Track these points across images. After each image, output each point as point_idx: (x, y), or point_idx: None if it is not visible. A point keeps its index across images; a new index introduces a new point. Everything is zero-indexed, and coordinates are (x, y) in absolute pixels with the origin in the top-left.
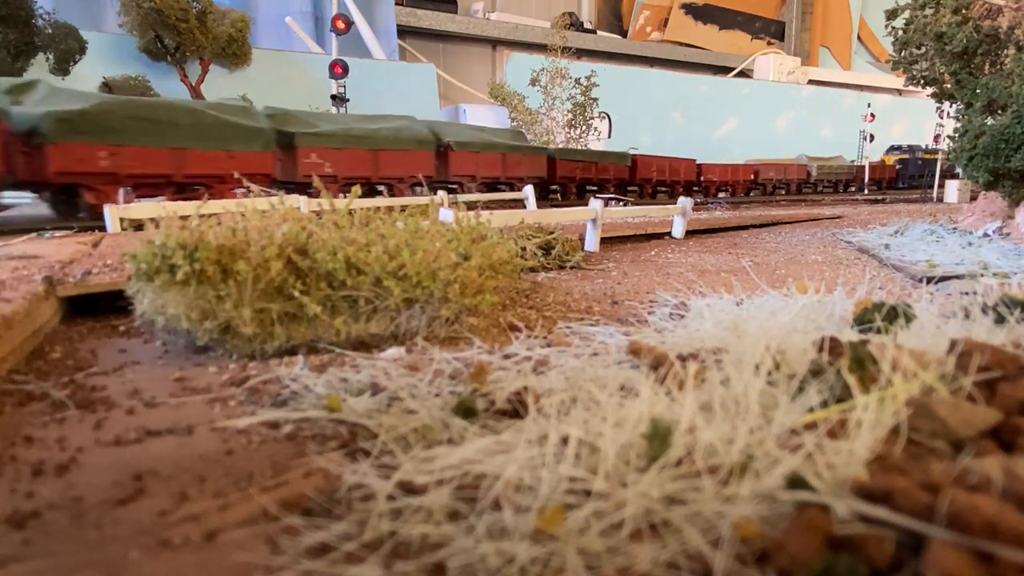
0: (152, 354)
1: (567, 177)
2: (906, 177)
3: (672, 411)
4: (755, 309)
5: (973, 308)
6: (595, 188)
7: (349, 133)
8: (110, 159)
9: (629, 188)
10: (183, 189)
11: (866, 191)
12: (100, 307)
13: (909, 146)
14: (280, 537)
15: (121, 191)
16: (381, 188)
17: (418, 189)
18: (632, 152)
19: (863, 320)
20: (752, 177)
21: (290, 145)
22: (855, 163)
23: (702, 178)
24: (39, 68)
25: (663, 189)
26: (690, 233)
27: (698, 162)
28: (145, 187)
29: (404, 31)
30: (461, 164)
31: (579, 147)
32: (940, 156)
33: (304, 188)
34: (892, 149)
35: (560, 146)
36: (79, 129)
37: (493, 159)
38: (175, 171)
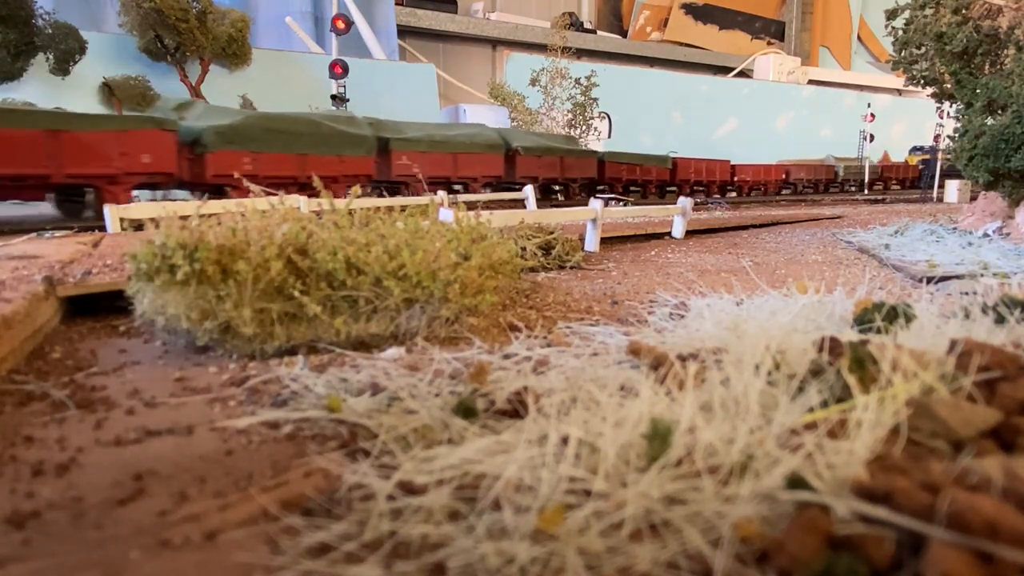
0: (152, 354)
1: (614, 178)
2: (928, 177)
3: (672, 411)
4: (755, 309)
5: (973, 308)
6: (639, 188)
7: (432, 138)
8: (252, 164)
9: (669, 188)
10: (304, 188)
11: (866, 191)
12: (100, 307)
13: (931, 147)
14: (280, 537)
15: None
16: (458, 187)
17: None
18: (672, 155)
19: (863, 320)
20: (784, 177)
21: (386, 149)
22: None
23: (736, 178)
24: (39, 68)
25: (700, 189)
26: (690, 233)
27: (732, 163)
28: (276, 187)
29: (404, 31)
30: (526, 166)
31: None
32: (940, 157)
33: (397, 187)
34: (915, 150)
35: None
36: (229, 139)
37: (553, 162)
38: (300, 173)
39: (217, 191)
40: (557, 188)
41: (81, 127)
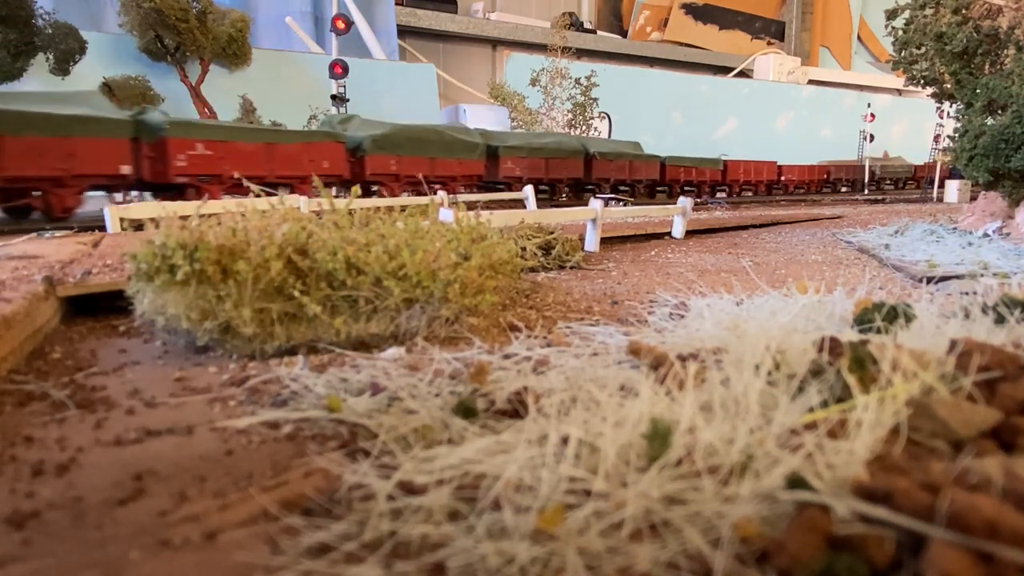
0: (152, 354)
1: (674, 179)
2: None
3: (672, 411)
4: (755, 309)
5: (973, 308)
6: (694, 188)
7: (531, 146)
8: (396, 165)
9: (719, 188)
10: (431, 184)
11: (866, 191)
12: (100, 307)
13: None
14: (280, 537)
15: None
16: (545, 187)
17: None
18: (724, 158)
19: (863, 320)
20: (825, 176)
21: (495, 155)
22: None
23: (782, 178)
24: (39, 68)
25: (748, 188)
26: (690, 233)
27: (779, 164)
28: (413, 183)
29: (404, 31)
30: (601, 169)
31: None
32: (940, 157)
33: (502, 187)
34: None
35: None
36: (381, 146)
37: (623, 165)
38: (429, 173)
39: (366, 188)
40: (624, 188)
41: (286, 140)
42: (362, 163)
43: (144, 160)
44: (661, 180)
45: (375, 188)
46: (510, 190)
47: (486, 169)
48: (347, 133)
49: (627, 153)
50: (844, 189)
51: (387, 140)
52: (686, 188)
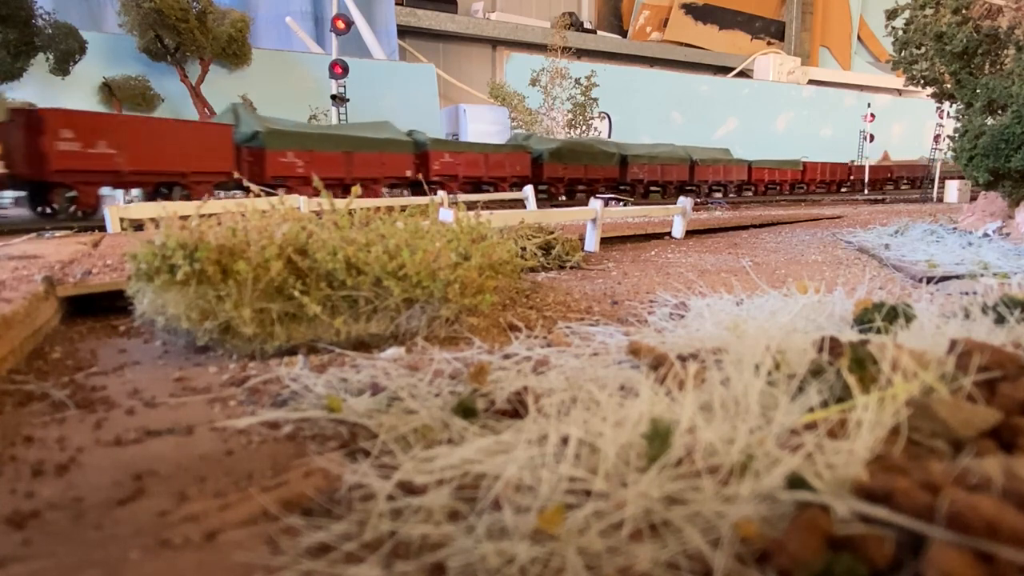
0: (152, 354)
1: (759, 180)
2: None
3: (672, 411)
4: (755, 309)
5: (973, 308)
6: (776, 187)
7: (650, 154)
8: (564, 171)
9: (798, 187)
10: (587, 185)
11: (866, 191)
12: (100, 307)
13: None
14: (280, 537)
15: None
16: (658, 187)
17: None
18: (804, 160)
19: (863, 320)
20: (888, 175)
21: (625, 162)
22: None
23: (851, 177)
24: (39, 68)
25: (822, 188)
26: (690, 233)
27: (854, 164)
28: (576, 182)
29: (404, 31)
30: (702, 172)
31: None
32: (939, 158)
33: (629, 187)
34: None
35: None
36: (556, 156)
37: (718, 168)
38: (583, 176)
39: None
40: (718, 189)
41: (499, 151)
42: (541, 168)
43: (418, 166)
44: (748, 181)
45: (546, 187)
46: (634, 190)
47: (619, 173)
48: (530, 146)
49: (721, 159)
50: (905, 186)
51: (558, 152)
52: (769, 187)
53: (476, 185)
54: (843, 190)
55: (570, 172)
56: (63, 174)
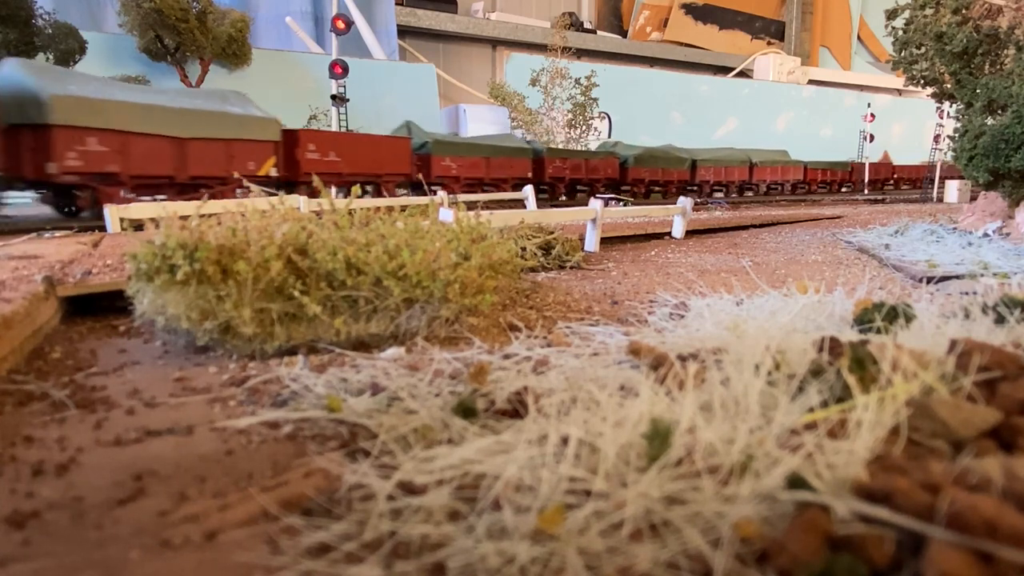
0: (152, 354)
1: (812, 180)
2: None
3: (672, 411)
4: (755, 309)
5: (973, 308)
6: (827, 185)
7: (714, 157)
8: (647, 174)
9: (846, 185)
10: (662, 187)
11: (866, 191)
12: (100, 307)
13: None
14: (280, 537)
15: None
16: (720, 190)
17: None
18: (853, 160)
19: (863, 320)
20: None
21: (694, 166)
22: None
23: (895, 176)
24: None
25: (882, 186)
26: (690, 233)
27: (895, 164)
28: (654, 183)
29: (404, 31)
30: (759, 174)
31: (582, 147)
32: (939, 158)
33: (696, 188)
34: None
35: (813, 159)
36: (639, 161)
37: (775, 169)
38: (660, 178)
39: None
40: (775, 188)
41: (595, 157)
42: (626, 171)
43: (535, 170)
44: (803, 180)
45: (629, 187)
46: (701, 190)
47: (690, 175)
48: (618, 152)
49: (778, 160)
50: (905, 187)
51: (641, 157)
52: (821, 185)
53: (574, 186)
54: (887, 187)
55: (650, 175)
56: (309, 175)
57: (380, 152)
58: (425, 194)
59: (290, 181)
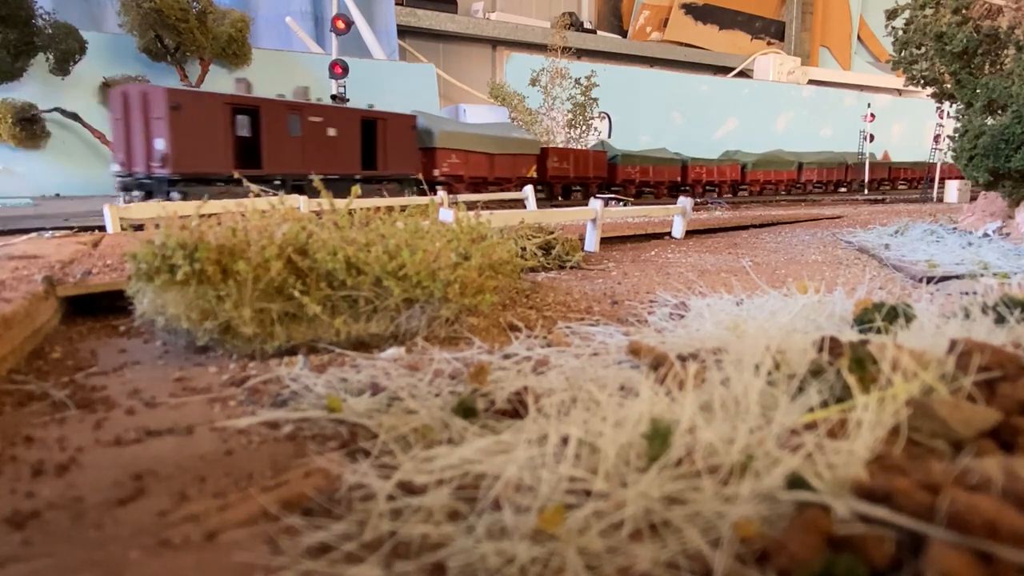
0: (152, 354)
1: (875, 179)
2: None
3: (672, 411)
4: (755, 309)
5: (973, 308)
6: (889, 184)
7: (819, 160)
8: (762, 176)
9: (919, 182)
10: (774, 186)
11: (866, 191)
12: (100, 307)
13: None
14: (280, 537)
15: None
16: (771, 187)
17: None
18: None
19: (863, 320)
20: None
21: (800, 167)
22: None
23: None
24: (39, 68)
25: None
26: (690, 233)
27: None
28: (765, 183)
29: (404, 31)
30: (809, 174)
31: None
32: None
33: (801, 188)
34: None
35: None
36: (756, 165)
37: (841, 170)
38: (773, 179)
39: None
40: (843, 188)
41: (719, 164)
42: (745, 174)
43: (685, 174)
44: (843, 178)
45: (747, 188)
46: (805, 189)
47: (796, 175)
48: (739, 159)
49: (844, 161)
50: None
51: (757, 162)
52: (883, 183)
53: (678, 189)
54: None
55: (767, 176)
56: (553, 178)
57: (590, 161)
58: (612, 192)
59: (541, 181)
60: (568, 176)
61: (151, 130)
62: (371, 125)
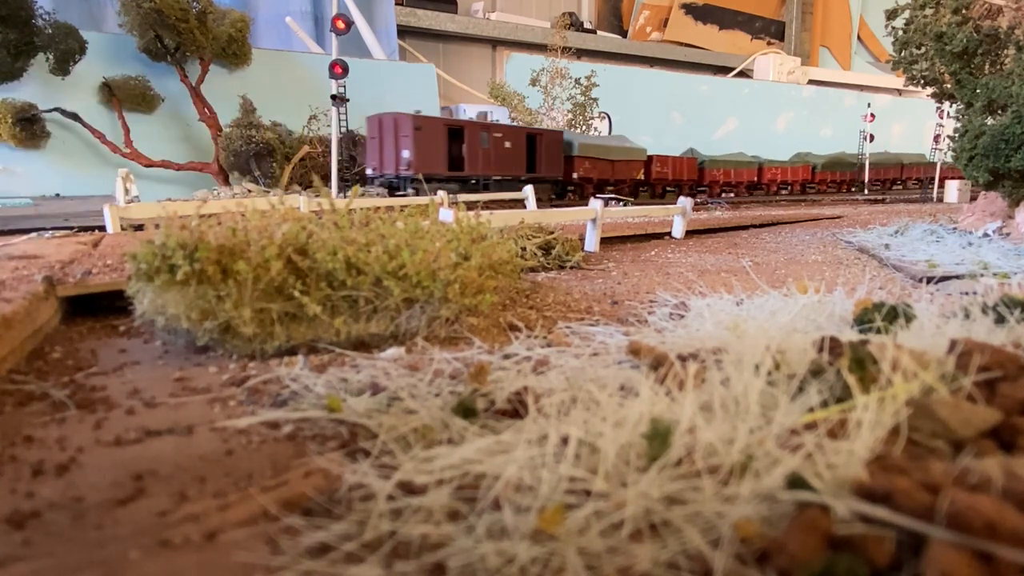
0: (152, 354)
1: (909, 177)
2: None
3: (672, 411)
4: (755, 309)
5: (973, 308)
6: (919, 182)
7: (880, 161)
8: (830, 176)
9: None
10: (837, 185)
11: (866, 191)
12: (100, 307)
13: None
14: (280, 537)
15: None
16: (834, 186)
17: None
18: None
19: (863, 320)
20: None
21: (860, 168)
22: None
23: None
24: (39, 68)
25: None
26: (690, 233)
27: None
28: (831, 183)
29: (404, 31)
30: (772, 174)
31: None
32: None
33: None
34: None
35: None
36: (826, 166)
37: (897, 169)
38: (836, 179)
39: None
40: (899, 186)
41: (792, 164)
42: (813, 175)
43: (761, 174)
44: (899, 177)
45: (815, 187)
46: (863, 188)
47: (856, 175)
48: (809, 160)
49: (898, 162)
50: (898, 185)
51: (825, 163)
52: (913, 182)
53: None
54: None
55: (832, 176)
56: (655, 180)
57: (683, 165)
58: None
59: (647, 181)
60: (667, 178)
61: (399, 144)
62: (533, 139)
